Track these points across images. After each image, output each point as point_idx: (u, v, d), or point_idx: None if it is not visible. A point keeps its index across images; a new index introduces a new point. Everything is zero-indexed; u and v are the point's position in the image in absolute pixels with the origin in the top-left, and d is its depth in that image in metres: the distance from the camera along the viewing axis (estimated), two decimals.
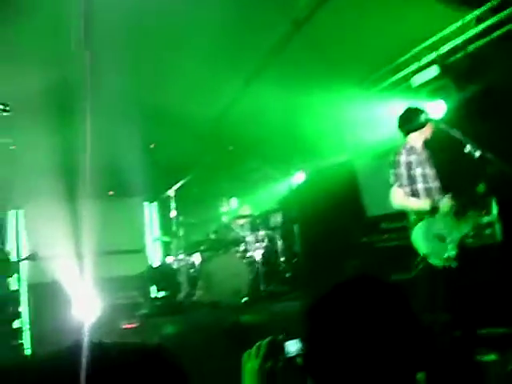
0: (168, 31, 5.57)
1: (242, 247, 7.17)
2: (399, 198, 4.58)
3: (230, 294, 6.24)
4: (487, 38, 5.54)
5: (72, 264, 7.24)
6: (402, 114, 4.87)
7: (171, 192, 7.26)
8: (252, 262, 6.93)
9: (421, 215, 4.48)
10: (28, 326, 7.18)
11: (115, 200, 9.38)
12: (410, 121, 4.78)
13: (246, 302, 6.26)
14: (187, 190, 7.54)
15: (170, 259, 7.55)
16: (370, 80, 7.02)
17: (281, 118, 7.67)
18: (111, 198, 9.32)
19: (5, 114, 3.45)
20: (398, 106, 5.26)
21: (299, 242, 8.12)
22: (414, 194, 4.59)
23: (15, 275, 7.82)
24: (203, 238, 7.65)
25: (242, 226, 7.46)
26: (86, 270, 7.14)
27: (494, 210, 5.14)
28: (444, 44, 5.99)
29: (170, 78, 6.45)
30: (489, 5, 5.39)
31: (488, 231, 5.14)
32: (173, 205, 7.23)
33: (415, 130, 4.74)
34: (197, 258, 7.12)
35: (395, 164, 4.61)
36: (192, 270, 7.04)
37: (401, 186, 4.57)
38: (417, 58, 6.34)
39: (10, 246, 8.61)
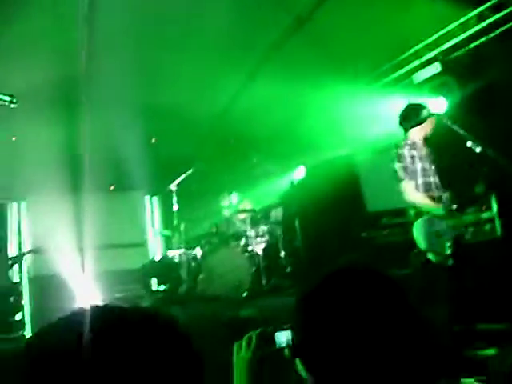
0: (171, 26, 5.59)
1: (242, 241, 7.19)
2: (412, 192, 4.56)
3: (230, 287, 6.27)
4: (489, 36, 5.55)
5: (73, 257, 7.26)
6: (403, 110, 4.88)
7: (173, 186, 7.28)
8: (253, 256, 6.95)
9: (420, 210, 4.50)
10: (29, 318, 7.22)
11: (117, 193, 9.40)
12: (410, 117, 4.79)
13: (246, 296, 6.29)
14: (188, 184, 7.55)
15: (171, 253, 7.58)
16: (371, 76, 7.03)
17: (282, 113, 7.69)
18: (113, 192, 9.34)
19: (12, 105, 3.47)
20: (399, 102, 5.27)
21: (300, 237, 8.15)
22: (417, 188, 4.61)
23: (17, 267, 7.87)
24: (204, 232, 7.67)
25: (243, 220, 7.48)
26: (88, 262, 7.18)
27: (494, 205, 5.17)
28: (446, 41, 6.00)
29: (173, 73, 6.46)
30: (490, 3, 5.40)
31: (488, 227, 5.17)
32: (174, 199, 7.26)
33: (416, 125, 4.75)
34: (198, 252, 7.16)
35: (401, 158, 4.60)
36: (193, 264, 7.07)
37: (411, 179, 4.56)
38: (419, 54, 6.36)
39: (12, 238, 8.65)
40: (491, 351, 3.87)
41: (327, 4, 5.34)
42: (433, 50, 6.16)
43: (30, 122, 6.42)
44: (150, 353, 0.84)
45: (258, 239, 7.17)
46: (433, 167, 4.72)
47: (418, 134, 4.77)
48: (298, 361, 1.28)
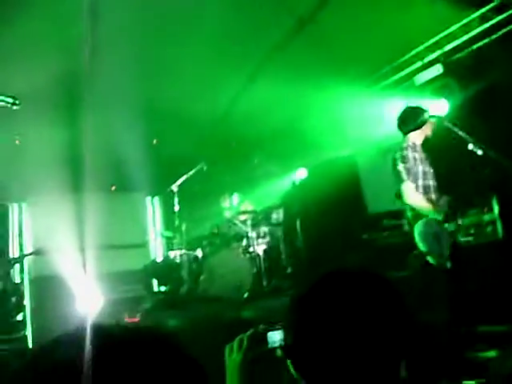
0: (172, 28, 5.58)
1: (244, 242, 7.19)
2: (413, 195, 4.53)
3: (231, 289, 6.27)
4: (491, 37, 5.55)
5: (75, 258, 7.27)
6: (401, 114, 4.86)
7: (174, 187, 7.29)
8: (254, 257, 6.95)
9: (418, 212, 4.49)
10: (30, 319, 7.23)
11: (118, 194, 9.41)
12: (409, 120, 4.77)
13: (247, 297, 6.29)
14: (190, 185, 7.56)
15: (172, 254, 7.58)
16: (373, 77, 7.03)
17: (284, 115, 7.69)
18: (114, 192, 9.35)
19: (14, 107, 3.45)
20: (401, 104, 5.27)
21: (301, 238, 8.15)
22: (417, 190, 4.61)
23: (19, 268, 7.88)
24: (206, 233, 7.68)
25: (244, 221, 7.48)
26: (89, 263, 7.18)
27: (496, 207, 5.17)
28: (448, 42, 6.00)
29: (174, 75, 6.46)
30: (492, 4, 5.40)
31: (489, 229, 5.17)
32: (176, 200, 7.27)
33: (415, 129, 4.74)
34: (199, 253, 7.16)
35: (405, 159, 4.57)
36: (194, 265, 7.07)
37: (413, 180, 4.54)
38: (420, 56, 6.35)
39: (14, 239, 8.66)
40: (492, 353, 3.87)
41: (329, 6, 5.33)
42: (434, 51, 6.15)
43: (31, 123, 6.42)
44: (153, 375, 0.84)
45: (259, 240, 7.18)
46: (431, 170, 4.71)
47: (418, 136, 4.76)
48: (289, 361, 1.28)
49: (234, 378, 1.59)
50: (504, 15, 5.36)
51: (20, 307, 6.91)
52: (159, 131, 8.23)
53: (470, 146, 4.44)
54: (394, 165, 4.62)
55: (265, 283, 6.82)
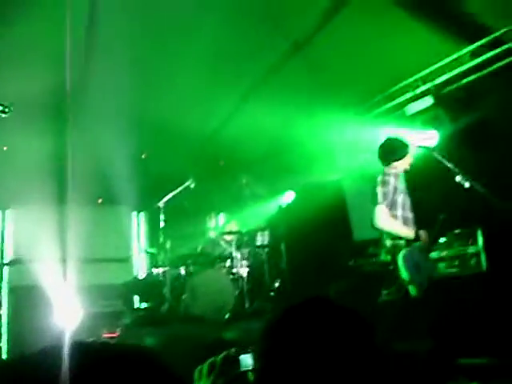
0: (165, 44, 5.60)
1: (228, 263, 7.15)
2: (385, 219, 4.53)
3: (213, 309, 6.21)
4: (482, 72, 5.64)
5: (56, 268, 7.17)
6: (381, 145, 4.88)
7: (161, 203, 7.25)
8: (237, 278, 6.91)
9: (396, 242, 4.49)
10: (6, 330, 7.10)
11: (104, 207, 9.33)
12: (388, 153, 4.80)
13: (228, 318, 6.23)
14: (177, 202, 7.52)
15: (155, 270, 7.51)
16: (364, 105, 7.09)
17: (274, 137, 7.71)
18: (100, 205, 9.27)
19: (3, 115, 3.41)
20: (390, 132, 5.31)
21: (285, 261, 8.12)
22: (395, 219, 4.61)
23: None
24: (190, 252, 7.62)
25: (229, 242, 7.45)
26: (70, 275, 7.08)
27: (480, 240, 5.19)
28: (439, 75, 6.08)
29: (166, 90, 6.47)
30: (485, 40, 5.49)
31: (473, 261, 5.19)
32: (161, 216, 7.22)
33: (394, 161, 4.76)
34: (182, 272, 7.10)
35: (384, 183, 4.59)
36: (177, 283, 7.00)
37: (388, 205, 4.54)
38: (412, 87, 6.43)
39: None
40: None
41: (324, 31, 5.39)
42: (426, 83, 6.24)
43: (18, 132, 6.38)
44: None
45: (243, 262, 7.14)
46: (409, 202, 4.72)
47: (400, 166, 4.78)
48: None
49: None
50: (494, 52, 5.46)
51: None
52: (148, 145, 8.22)
53: (458, 178, 4.48)
54: (373, 187, 4.64)
55: (247, 305, 6.77)
